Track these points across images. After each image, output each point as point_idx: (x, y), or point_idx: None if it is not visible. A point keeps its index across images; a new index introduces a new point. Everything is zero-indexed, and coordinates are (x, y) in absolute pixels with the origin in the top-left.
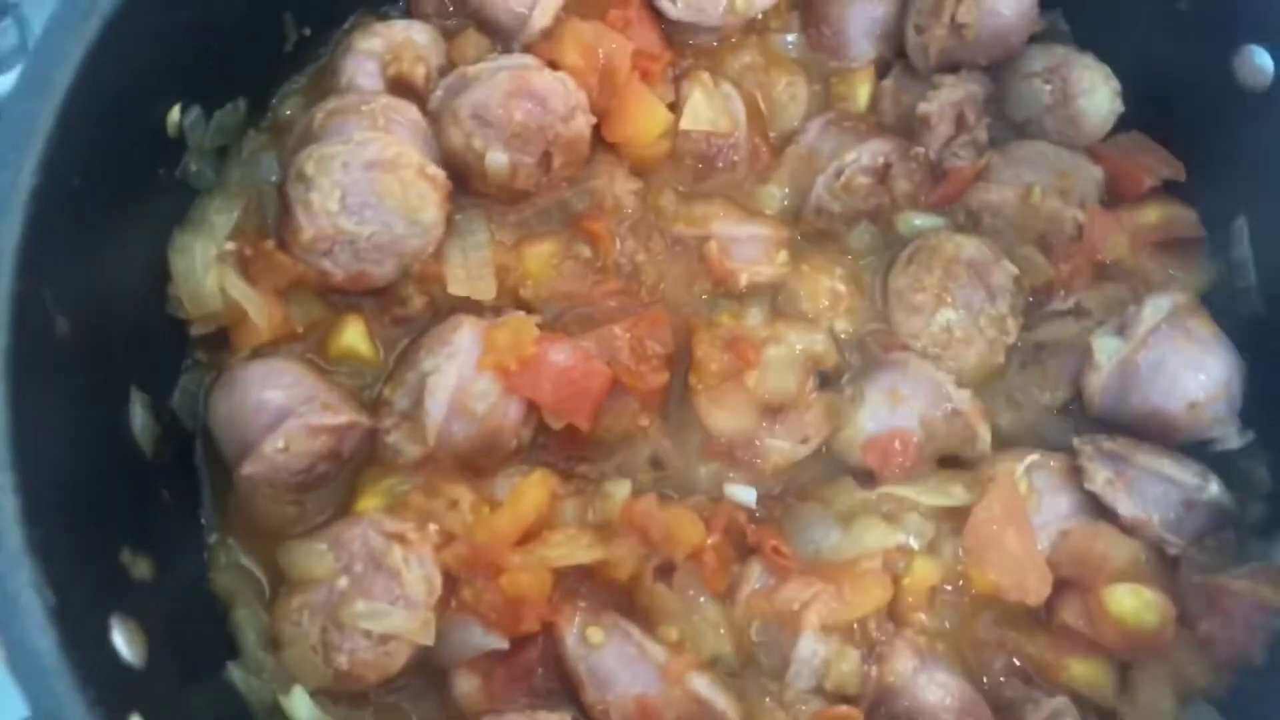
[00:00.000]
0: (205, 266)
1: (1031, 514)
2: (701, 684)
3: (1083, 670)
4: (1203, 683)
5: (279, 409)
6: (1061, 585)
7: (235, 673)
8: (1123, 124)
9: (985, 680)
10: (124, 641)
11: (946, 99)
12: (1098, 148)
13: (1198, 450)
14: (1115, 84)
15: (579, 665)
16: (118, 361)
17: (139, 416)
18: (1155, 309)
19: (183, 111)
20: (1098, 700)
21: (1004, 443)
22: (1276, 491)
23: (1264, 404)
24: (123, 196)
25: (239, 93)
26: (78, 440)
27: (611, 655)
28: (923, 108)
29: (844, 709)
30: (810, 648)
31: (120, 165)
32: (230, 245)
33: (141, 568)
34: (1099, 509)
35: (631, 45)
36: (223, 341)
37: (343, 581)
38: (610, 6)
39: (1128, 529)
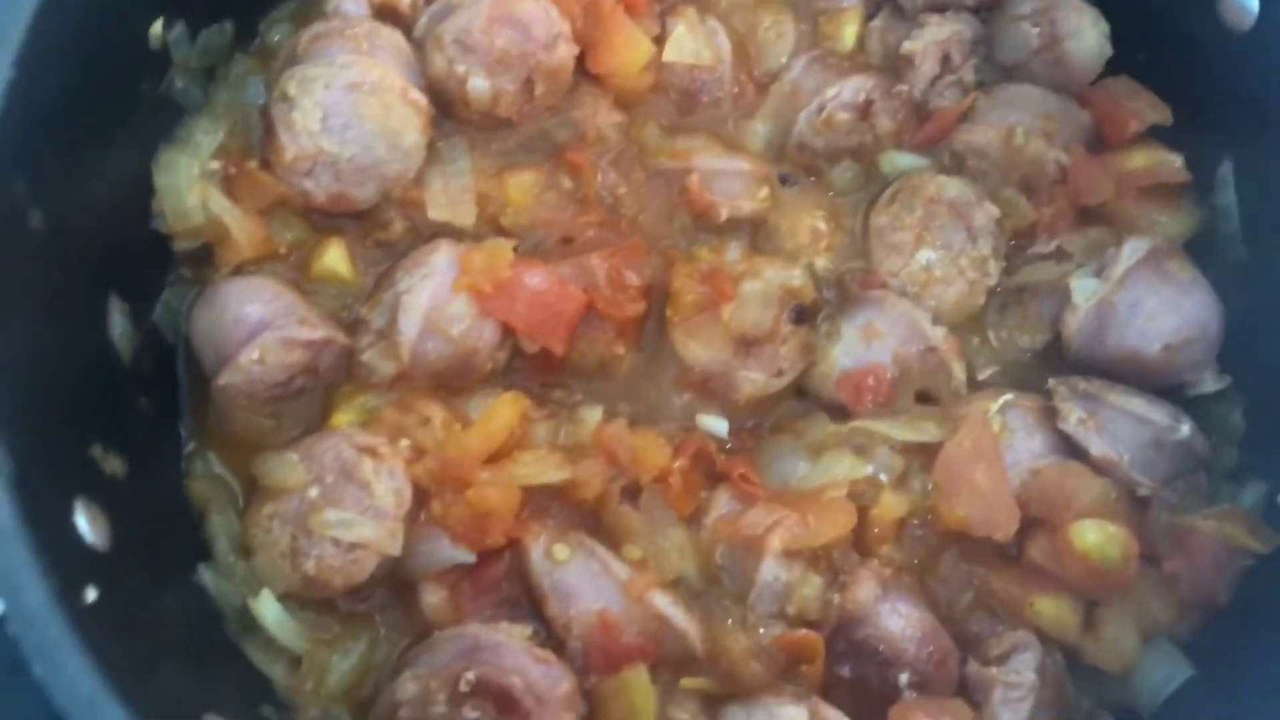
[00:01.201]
0: (189, 183)
1: (1004, 452)
2: (663, 602)
3: (1048, 607)
4: (1167, 621)
5: (257, 322)
6: (1031, 524)
7: (206, 574)
8: (1111, 68)
9: (950, 614)
10: (86, 523)
11: (932, 38)
12: (1085, 92)
13: (1174, 394)
14: (1104, 26)
15: (543, 580)
16: (96, 267)
17: (118, 324)
18: (1134, 250)
19: (166, 26)
20: (1062, 637)
21: (980, 384)
22: (1250, 437)
23: (1243, 350)
24: (104, 104)
25: (226, 15)
26: (50, 335)
27: (576, 571)
28: (907, 46)
29: (805, 633)
30: (773, 572)
31: (100, 72)
32: (215, 164)
33: (114, 464)
34: (1072, 451)
35: None
36: (206, 258)
37: (314, 491)
38: None
39: (1098, 468)
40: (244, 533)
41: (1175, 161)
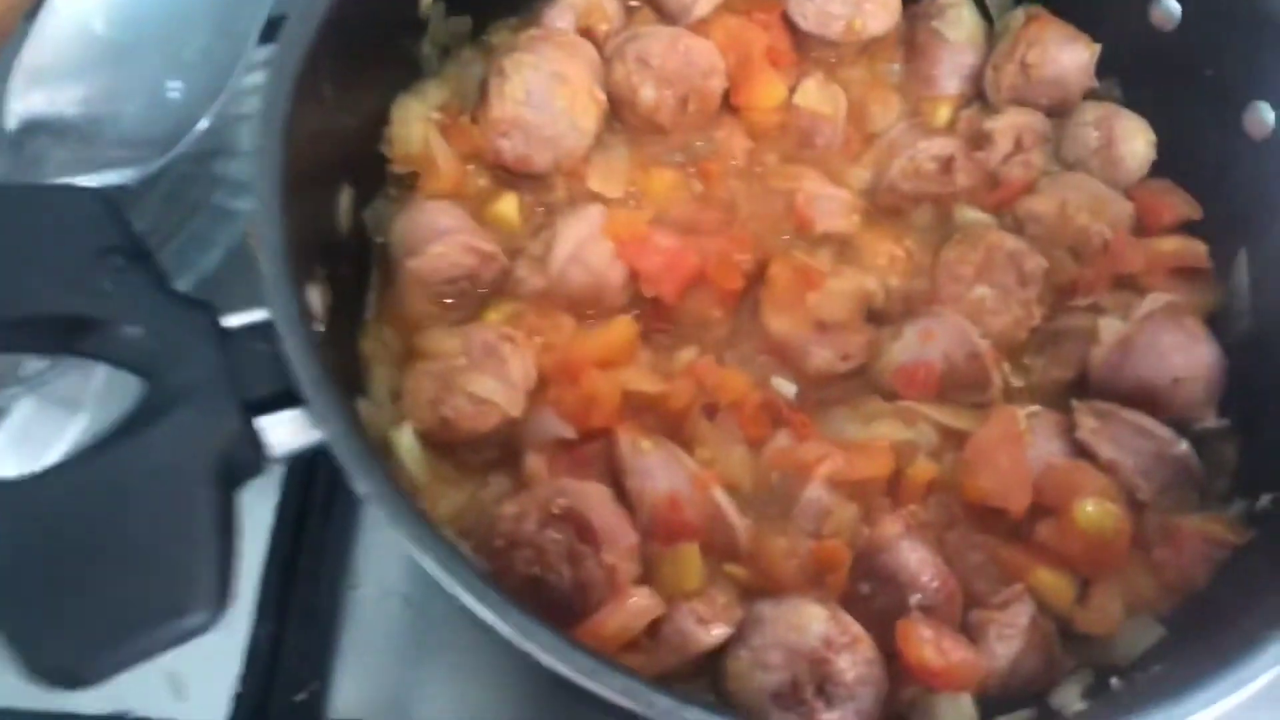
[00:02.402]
0: (416, 121)
1: (1025, 449)
2: (722, 497)
3: (1048, 577)
4: (1151, 598)
5: (445, 228)
6: (1042, 510)
7: (362, 405)
8: (1156, 171)
9: (961, 571)
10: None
11: (1009, 121)
12: (1132, 188)
13: (1180, 428)
14: (1151, 136)
15: (627, 461)
16: (343, 157)
17: (343, 203)
18: (1155, 300)
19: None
20: (1056, 605)
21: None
22: (1239, 469)
23: (1241, 401)
24: (377, 44)
25: (468, 10)
26: (311, 183)
27: (655, 459)
28: (988, 124)
29: (834, 542)
30: (816, 494)
31: (383, 19)
32: (436, 114)
33: (326, 293)
34: (1085, 459)
35: (766, 39)
36: (411, 184)
37: (461, 360)
38: (755, 10)
39: (1105, 470)
40: (399, 381)
41: (1200, 250)
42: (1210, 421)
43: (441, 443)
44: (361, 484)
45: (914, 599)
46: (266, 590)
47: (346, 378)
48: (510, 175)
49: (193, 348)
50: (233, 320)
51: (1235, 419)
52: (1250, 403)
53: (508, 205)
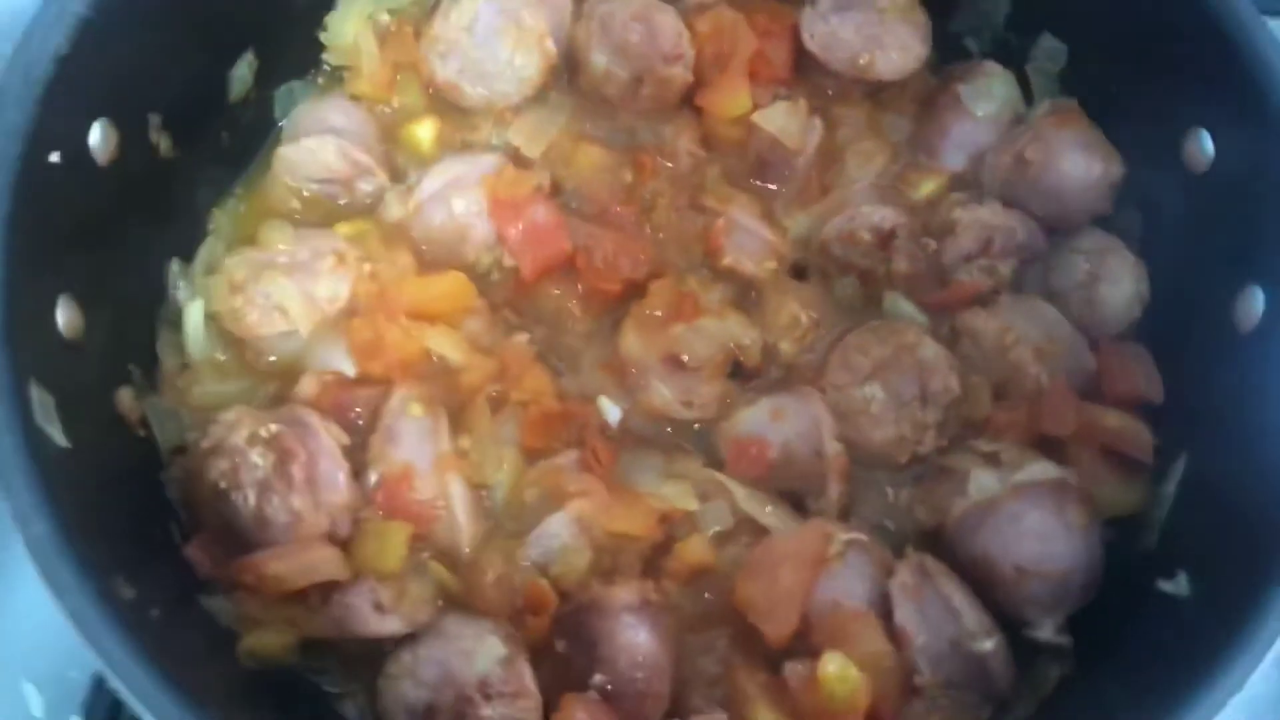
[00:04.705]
0: (357, 16)
1: (824, 577)
2: (457, 489)
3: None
4: None
5: (333, 127)
6: (811, 650)
7: (174, 265)
8: (1138, 334)
9: (686, 676)
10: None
11: (980, 217)
12: (1103, 342)
13: (1013, 628)
14: (1143, 286)
15: (385, 418)
16: (249, 19)
17: (241, 68)
18: (1042, 470)
19: None
20: None
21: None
22: (1051, 701)
23: (1096, 631)
24: None
25: None
26: (182, 31)
27: (411, 426)
28: (957, 213)
29: (543, 584)
30: (557, 527)
31: None
32: (385, 17)
33: (165, 140)
34: (886, 614)
35: (756, 45)
36: (339, 80)
37: (283, 257)
38: (759, 14)
39: (893, 635)
40: (221, 259)
41: (1146, 438)
42: (1044, 633)
43: (230, 332)
44: None
45: (598, 678)
46: None
47: (170, 232)
48: (440, 101)
49: None
50: None
51: (1081, 643)
52: (1105, 633)
53: (425, 129)
